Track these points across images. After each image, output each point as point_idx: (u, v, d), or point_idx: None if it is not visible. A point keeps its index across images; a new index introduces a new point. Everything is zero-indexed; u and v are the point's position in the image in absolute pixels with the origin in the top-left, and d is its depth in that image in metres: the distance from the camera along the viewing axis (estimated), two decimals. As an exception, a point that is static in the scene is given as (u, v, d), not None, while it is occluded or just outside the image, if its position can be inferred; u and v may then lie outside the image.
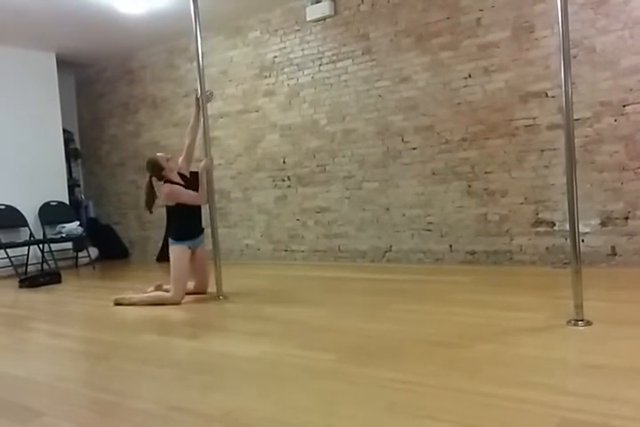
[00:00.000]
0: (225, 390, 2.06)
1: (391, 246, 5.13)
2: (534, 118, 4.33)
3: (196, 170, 3.97)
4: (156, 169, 3.91)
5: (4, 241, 5.87)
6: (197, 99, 3.96)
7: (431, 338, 2.55)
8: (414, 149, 4.92)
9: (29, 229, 6.27)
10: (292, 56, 5.66)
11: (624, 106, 3.97)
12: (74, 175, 7.51)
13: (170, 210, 3.95)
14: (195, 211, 3.97)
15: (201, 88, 3.91)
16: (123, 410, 1.93)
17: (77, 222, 6.56)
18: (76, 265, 6.70)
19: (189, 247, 3.90)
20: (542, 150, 4.31)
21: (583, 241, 4.03)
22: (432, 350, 2.37)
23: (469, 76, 4.60)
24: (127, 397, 2.06)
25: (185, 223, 3.93)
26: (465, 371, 2.06)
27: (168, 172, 3.90)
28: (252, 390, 2.04)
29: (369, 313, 3.18)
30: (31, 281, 5.19)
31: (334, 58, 5.36)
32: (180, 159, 4.05)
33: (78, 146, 7.70)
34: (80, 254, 6.72)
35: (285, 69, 5.71)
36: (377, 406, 1.79)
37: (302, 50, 5.57)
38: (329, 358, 2.33)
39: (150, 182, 3.98)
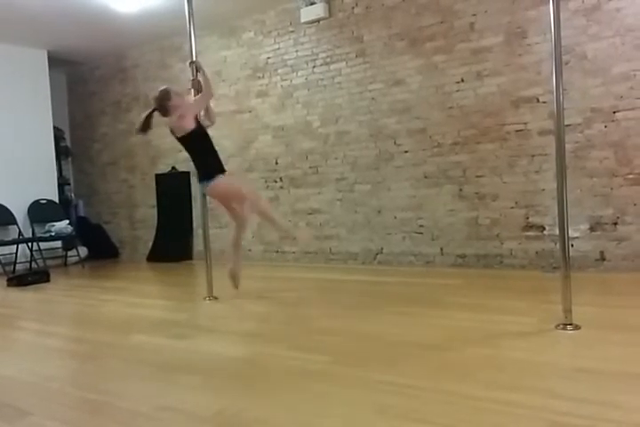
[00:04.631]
0: (215, 391, 2.06)
1: (382, 249, 5.14)
2: (525, 123, 4.36)
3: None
4: (163, 100, 3.59)
5: (-8, 239, 5.84)
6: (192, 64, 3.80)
7: (423, 341, 2.56)
8: (406, 151, 4.93)
9: (18, 227, 6.22)
10: (285, 57, 5.66)
11: (614, 112, 4.01)
12: (64, 174, 7.46)
13: (186, 148, 3.72)
14: (202, 146, 3.67)
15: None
16: (111, 410, 1.92)
17: (67, 221, 6.51)
18: (65, 264, 6.66)
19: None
20: (533, 155, 4.34)
21: (572, 246, 4.05)
22: (423, 353, 2.38)
23: (462, 81, 4.62)
24: (115, 397, 2.05)
25: (200, 159, 3.67)
26: (456, 374, 2.07)
27: (173, 107, 3.58)
28: (242, 391, 2.03)
29: (361, 315, 3.18)
30: (19, 280, 5.14)
31: (328, 60, 5.37)
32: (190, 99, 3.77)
33: (69, 144, 7.66)
34: (69, 253, 6.68)
35: (279, 70, 5.71)
36: (368, 408, 1.79)
37: (296, 51, 5.57)
38: (320, 360, 2.33)
39: (151, 113, 3.65)
